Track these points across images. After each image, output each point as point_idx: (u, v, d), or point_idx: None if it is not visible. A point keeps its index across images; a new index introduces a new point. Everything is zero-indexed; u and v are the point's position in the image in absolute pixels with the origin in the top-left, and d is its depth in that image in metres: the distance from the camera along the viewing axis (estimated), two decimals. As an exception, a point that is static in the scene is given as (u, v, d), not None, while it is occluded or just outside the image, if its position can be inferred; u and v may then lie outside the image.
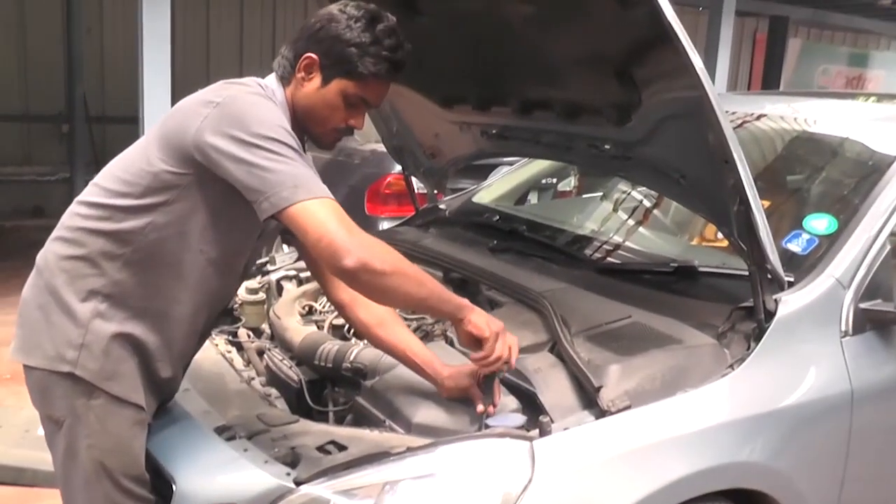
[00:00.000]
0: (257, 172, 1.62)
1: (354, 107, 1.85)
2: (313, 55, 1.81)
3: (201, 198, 1.75)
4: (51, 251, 1.83)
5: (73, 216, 1.83)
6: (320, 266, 1.99)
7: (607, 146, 2.37)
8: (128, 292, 1.78)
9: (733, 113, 2.90)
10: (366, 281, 1.63)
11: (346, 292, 2.02)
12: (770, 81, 12.89)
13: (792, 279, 2.06)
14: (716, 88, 1.77)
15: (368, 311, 2.05)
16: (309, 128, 1.88)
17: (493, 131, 2.85)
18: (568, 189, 5.56)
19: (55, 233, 1.85)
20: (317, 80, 1.83)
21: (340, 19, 1.80)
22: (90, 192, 1.84)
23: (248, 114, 1.68)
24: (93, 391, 1.77)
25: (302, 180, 1.63)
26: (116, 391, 1.79)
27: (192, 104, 1.75)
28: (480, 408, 1.85)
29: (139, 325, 1.79)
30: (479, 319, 1.78)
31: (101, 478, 1.79)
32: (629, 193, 3.27)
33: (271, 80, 1.88)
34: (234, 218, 1.78)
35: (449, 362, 2.05)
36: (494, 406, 1.85)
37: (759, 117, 2.96)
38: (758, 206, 1.86)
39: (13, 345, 1.86)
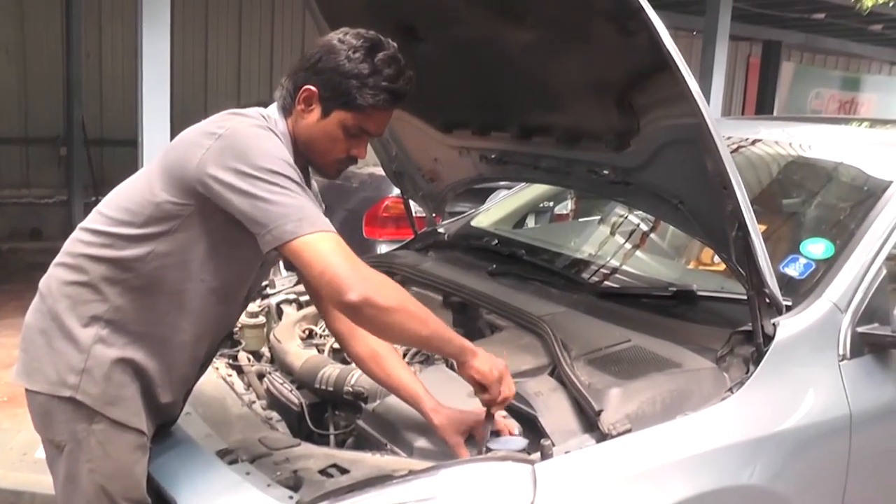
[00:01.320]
0: (260, 205, 1.62)
1: (356, 137, 1.85)
2: (312, 87, 1.81)
3: (203, 228, 1.76)
4: (53, 277, 1.85)
5: (76, 242, 1.84)
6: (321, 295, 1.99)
7: (606, 171, 2.39)
8: (129, 318, 1.79)
9: (729, 137, 2.93)
10: (369, 316, 1.63)
11: (344, 323, 2.01)
12: (764, 105, 13.01)
13: (790, 303, 2.07)
14: (711, 113, 1.80)
15: (364, 343, 2.03)
16: (312, 158, 1.89)
17: (493, 156, 2.87)
18: (565, 212, 5.59)
19: (58, 259, 1.87)
20: (316, 112, 1.82)
21: (339, 50, 1.79)
22: (93, 220, 1.85)
23: (250, 146, 1.68)
24: (94, 416, 1.78)
25: (305, 213, 1.63)
26: (117, 416, 1.79)
27: (194, 135, 1.76)
28: (464, 454, 1.84)
29: (140, 350, 1.80)
30: (482, 365, 1.77)
31: (103, 502, 1.79)
32: (626, 217, 3.29)
33: (273, 110, 1.88)
34: (236, 248, 1.78)
35: (448, 387, 2.06)
36: (481, 453, 1.81)
37: (754, 142, 2.99)
38: (756, 231, 1.88)
39: (15, 369, 1.87)
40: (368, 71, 1.77)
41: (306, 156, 1.88)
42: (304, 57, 1.85)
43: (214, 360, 2.46)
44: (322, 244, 1.61)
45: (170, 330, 1.82)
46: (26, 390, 1.85)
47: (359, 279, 1.60)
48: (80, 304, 1.79)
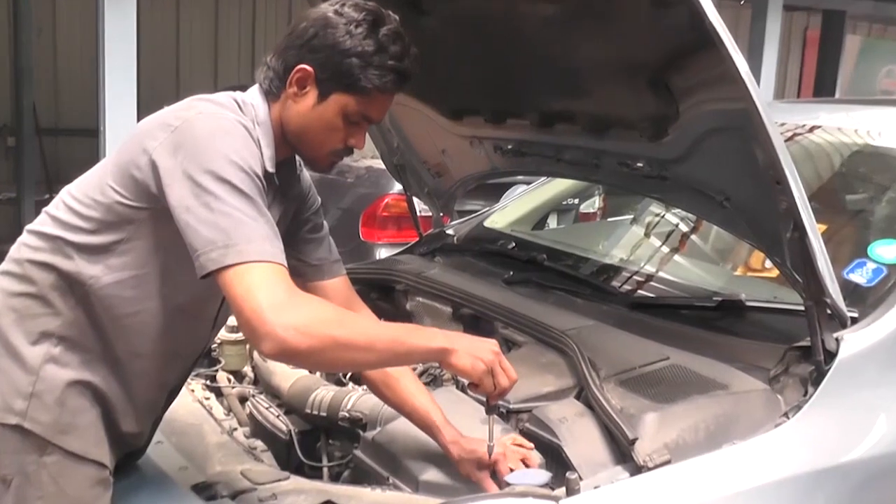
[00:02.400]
0: (192, 223, 1.61)
1: (355, 125, 1.84)
2: (308, 67, 1.79)
3: (160, 234, 1.74)
4: None
5: (22, 247, 1.83)
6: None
7: (640, 164, 2.41)
8: (84, 334, 1.79)
9: (782, 124, 2.94)
10: (295, 362, 1.66)
11: None
12: (824, 86, 12.98)
13: (856, 315, 2.08)
14: (762, 95, 1.82)
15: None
16: (302, 150, 1.89)
17: (509, 147, 2.89)
18: (592, 211, 5.63)
19: (2, 266, 1.86)
20: (312, 95, 1.81)
21: (338, 24, 1.77)
22: (40, 221, 1.85)
23: (204, 145, 1.66)
24: (45, 447, 1.76)
25: (236, 239, 1.59)
26: (73, 447, 1.78)
27: (151, 126, 1.76)
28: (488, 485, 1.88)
29: (98, 372, 1.80)
30: (462, 362, 1.74)
31: None
32: (663, 216, 3.30)
33: (253, 95, 1.87)
34: None
35: (459, 410, 2.08)
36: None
37: (812, 129, 3.00)
38: (815, 231, 1.89)
39: None
40: (373, 48, 1.76)
41: (296, 147, 1.88)
42: (295, 32, 1.82)
43: (189, 380, 2.48)
44: (246, 278, 1.58)
45: (128, 354, 1.82)
46: None
47: (276, 325, 1.55)
48: (27, 319, 1.78)
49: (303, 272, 2.05)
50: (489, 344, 1.81)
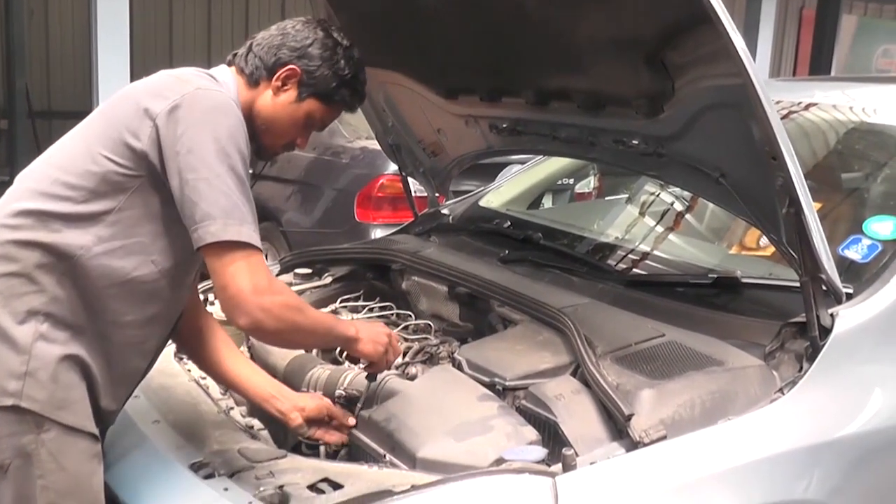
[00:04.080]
0: (193, 197, 1.76)
1: (308, 127, 2.08)
2: (297, 68, 2.00)
3: (153, 201, 1.84)
4: None
5: (1, 228, 1.84)
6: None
7: (636, 141, 2.40)
8: (68, 309, 1.81)
9: (778, 102, 2.94)
10: (260, 337, 2.08)
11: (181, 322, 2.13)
12: (820, 65, 12.96)
13: (851, 291, 2.09)
14: (759, 72, 1.81)
15: (213, 342, 2.23)
16: (262, 137, 2.03)
17: (504, 125, 2.88)
18: (587, 191, 5.63)
19: None
20: (292, 93, 2.02)
21: (329, 45, 2.03)
22: (17, 197, 1.86)
23: (207, 121, 1.80)
24: (42, 423, 1.79)
25: (233, 218, 1.77)
26: (69, 421, 1.81)
27: (143, 96, 1.85)
28: (352, 420, 2.14)
29: (83, 345, 1.83)
30: (366, 348, 2.07)
31: None
32: (658, 195, 3.31)
33: (225, 74, 2.02)
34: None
35: (456, 388, 2.10)
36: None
37: (808, 106, 3.00)
38: (810, 207, 1.89)
39: None
40: (350, 73, 2.05)
41: (258, 133, 2.01)
42: (293, 35, 2.03)
43: (185, 361, 2.49)
44: (234, 259, 1.78)
45: (111, 324, 1.86)
46: None
47: (254, 305, 1.79)
48: (12, 299, 1.79)
49: None
50: (382, 328, 2.16)
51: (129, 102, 1.87)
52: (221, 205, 1.76)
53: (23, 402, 1.77)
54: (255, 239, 1.79)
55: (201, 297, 2.71)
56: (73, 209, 1.81)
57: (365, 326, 2.11)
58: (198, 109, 1.81)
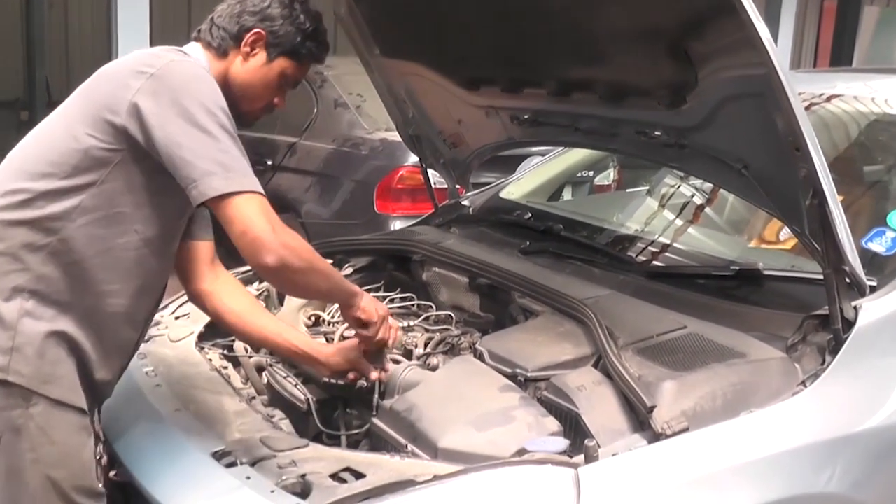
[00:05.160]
0: (188, 157, 1.80)
1: (283, 87, 2.13)
2: (262, 31, 2.05)
3: (134, 173, 1.88)
4: None
5: None
6: (184, 255, 2.17)
7: (658, 132, 2.40)
8: (53, 287, 1.86)
9: (800, 94, 2.92)
10: (284, 277, 1.93)
11: (207, 283, 2.23)
12: (841, 57, 12.87)
13: (874, 283, 2.08)
14: (783, 61, 1.81)
15: (233, 299, 2.25)
16: (240, 104, 2.06)
17: (525, 116, 2.88)
18: (606, 183, 5.61)
19: None
20: (261, 56, 2.07)
21: (286, 2, 2.07)
22: (3, 178, 1.91)
23: (187, 88, 1.85)
24: (30, 397, 1.84)
25: (234, 169, 1.82)
26: (56, 395, 1.86)
27: (119, 73, 1.91)
28: (374, 375, 2.18)
29: (71, 321, 1.88)
30: (369, 305, 2.13)
31: (50, 495, 1.86)
32: (678, 187, 3.30)
33: (195, 49, 2.07)
34: (169, 195, 1.90)
35: (477, 379, 2.10)
36: (385, 371, 2.21)
37: (829, 98, 2.99)
38: (834, 199, 1.88)
39: None
40: (311, 26, 2.09)
41: (235, 100, 2.03)
42: (248, 1, 2.08)
43: (207, 349, 2.50)
44: (247, 205, 1.82)
45: (100, 295, 1.91)
46: None
47: (277, 243, 1.83)
48: None
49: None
50: (385, 307, 2.23)
51: (105, 80, 1.93)
52: (220, 160, 1.81)
53: (10, 377, 1.83)
54: (259, 188, 1.85)
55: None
56: (56, 185, 1.86)
57: (368, 294, 2.19)
58: (176, 79, 1.86)
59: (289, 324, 2.45)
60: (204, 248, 2.23)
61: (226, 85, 2.02)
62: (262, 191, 1.85)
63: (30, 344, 1.84)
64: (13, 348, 1.83)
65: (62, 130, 1.91)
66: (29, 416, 1.85)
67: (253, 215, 1.82)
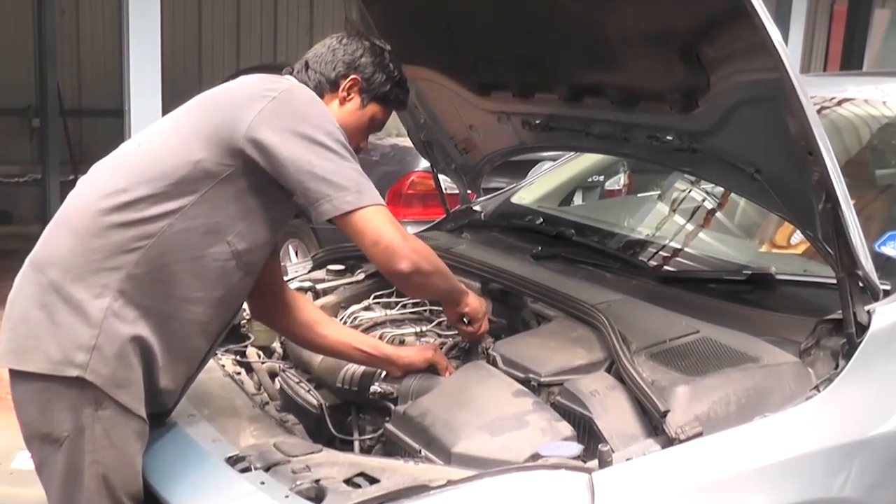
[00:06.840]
0: (320, 174, 1.91)
1: (370, 131, 2.25)
2: (358, 78, 2.17)
3: (238, 188, 1.96)
4: (57, 245, 1.92)
5: (86, 204, 1.93)
6: (263, 271, 2.15)
7: (670, 137, 2.40)
8: (140, 290, 1.89)
9: (811, 98, 2.92)
10: (415, 281, 2.05)
11: (278, 299, 2.29)
12: (851, 60, 12.79)
13: (888, 287, 2.07)
14: (795, 66, 1.81)
15: (306, 313, 2.31)
16: None
17: (537, 122, 2.89)
18: (617, 188, 5.61)
19: (60, 224, 1.96)
20: (356, 101, 2.19)
21: (377, 51, 2.21)
22: (111, 181, 1.95)
23: (309, 112, 1.98)
24: (102, 400, 1.87)
25: (363, 186, 1.96)
26: (125, 401, 1.89)
27: (239, 96, 2.00)
28: (448, 372, 2.26)
29: (147, 326, 1.91)
30: (475, 302, 2.31)
31: (103, 496, 1.89)
32: (689, 192, 3.30)
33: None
34: (268, 210, 2.01)
35: (490, 383, 2.11)
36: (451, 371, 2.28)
37: (841, 102, 2.99)
38: (847, 203, 1.88)
39: None
40: (399, 76, 2.23)
41: None
42: (338, 49, 2.19)
43: (220, 355, 2.51)
44: (377, 217, 1.96)
45: (181, 300, 1.95)
46: (13, 375, 1.91)
47: (409, 249, 2.00)
48: (90, 274, 1.88)
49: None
50: (484, 300, 2.42)
51: (227, 103, 2.01)
52: (350, 177, 1.94)
53: (87, 375, 1.85)
54: (382, 201, 1.99)
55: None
56: (161, 191, 1.91)
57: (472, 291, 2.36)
58: (299, 102, 1.99)
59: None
60: (277, 266, 2.31)
61: None
62: (384, 201, 1.98)
63: (110, 345, 1.86)
64: (95, 347, 1.85)
65: (176, 142, 1.98)
66: (97, 417, 1.88)
67: (383, 225, 1.96)
